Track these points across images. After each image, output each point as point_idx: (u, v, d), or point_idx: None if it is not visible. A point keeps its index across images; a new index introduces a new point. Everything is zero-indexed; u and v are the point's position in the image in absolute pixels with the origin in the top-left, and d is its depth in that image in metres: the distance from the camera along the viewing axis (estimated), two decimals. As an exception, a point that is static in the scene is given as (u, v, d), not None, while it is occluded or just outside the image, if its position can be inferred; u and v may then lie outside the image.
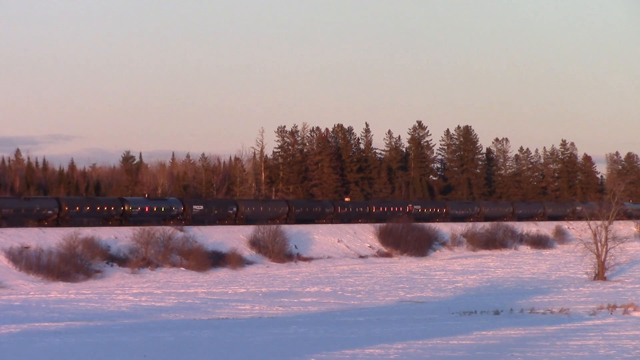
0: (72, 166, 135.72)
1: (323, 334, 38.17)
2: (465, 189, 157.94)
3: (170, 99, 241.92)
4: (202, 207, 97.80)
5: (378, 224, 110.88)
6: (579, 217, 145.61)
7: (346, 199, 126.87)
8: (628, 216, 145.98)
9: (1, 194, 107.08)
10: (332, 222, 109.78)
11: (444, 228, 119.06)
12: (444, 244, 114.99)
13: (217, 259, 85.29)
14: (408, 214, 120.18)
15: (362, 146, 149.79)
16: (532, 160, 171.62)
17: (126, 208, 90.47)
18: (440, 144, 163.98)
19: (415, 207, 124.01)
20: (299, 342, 35.70)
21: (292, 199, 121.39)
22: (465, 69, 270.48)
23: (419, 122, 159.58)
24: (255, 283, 71.73)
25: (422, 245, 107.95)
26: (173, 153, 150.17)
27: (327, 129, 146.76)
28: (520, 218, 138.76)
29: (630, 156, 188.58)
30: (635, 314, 45.37)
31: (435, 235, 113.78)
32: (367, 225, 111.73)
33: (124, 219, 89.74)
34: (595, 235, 71.59)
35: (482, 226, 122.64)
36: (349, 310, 51.41)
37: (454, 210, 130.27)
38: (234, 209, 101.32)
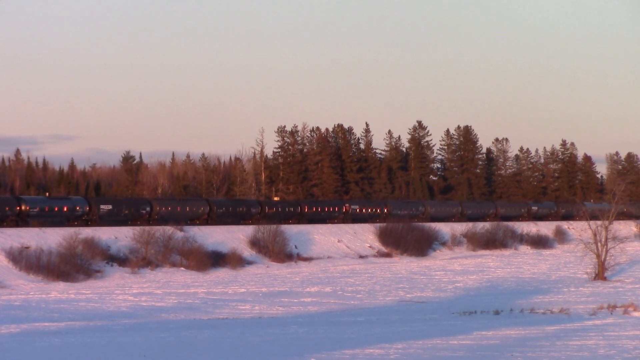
0: (72, 166, 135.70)
1: (323, 334, 38.15)
2: (466, 189, 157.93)
3: (170, 99, 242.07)
4: (110, 207, 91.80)
5: (378, 224, 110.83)
6: (534, 218, 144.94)
7: (275, 199, 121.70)
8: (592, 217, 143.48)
9: (1, 194, 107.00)
10: (258, 223, 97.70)
11: (444, 228, 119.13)
12: (444, 244, 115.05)
13: (217, 259, 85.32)
14: (345, 215, 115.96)
15: (362, 146, 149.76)
16: (532, 160, 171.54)
17: (23, 208, 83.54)
18: (440, 144, 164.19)
19: (352, 207, 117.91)
20: (299, 342, 35.69)
21: (213, 198, 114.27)
22: (465, 69, 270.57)
23: (419, 122, 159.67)
24: (255, 283, 71.72)
25: (422, 245, 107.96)
26: (173, 153, 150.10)
27: (327, 129, 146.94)
28: (470, 219, 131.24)
29: (630, 156, 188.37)
30: (635, 314, 45.35)
31: (435, 235, 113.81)
32: (367, 225, 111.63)
33: (20, 220, 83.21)
34: (595, 235, 71.57)
35: (482, 226, 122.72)
36: (349, 310, 51.39)
37: (395, 210, 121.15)
38: (147, 208, 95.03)
